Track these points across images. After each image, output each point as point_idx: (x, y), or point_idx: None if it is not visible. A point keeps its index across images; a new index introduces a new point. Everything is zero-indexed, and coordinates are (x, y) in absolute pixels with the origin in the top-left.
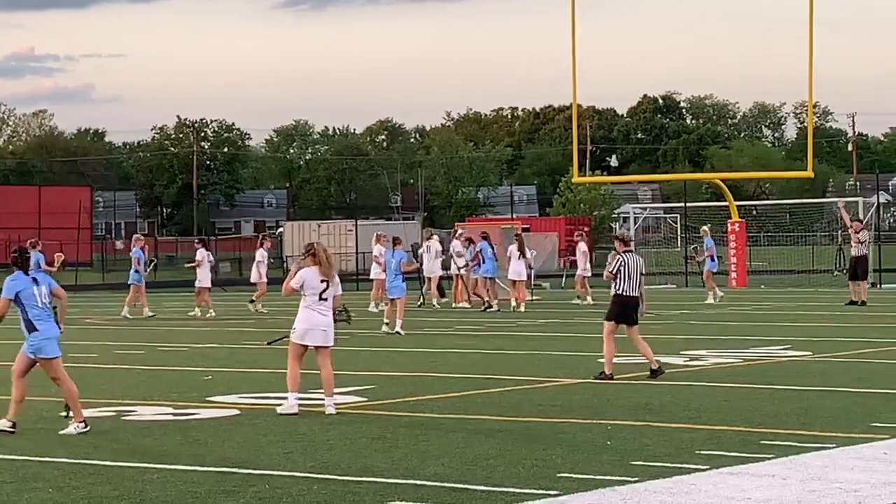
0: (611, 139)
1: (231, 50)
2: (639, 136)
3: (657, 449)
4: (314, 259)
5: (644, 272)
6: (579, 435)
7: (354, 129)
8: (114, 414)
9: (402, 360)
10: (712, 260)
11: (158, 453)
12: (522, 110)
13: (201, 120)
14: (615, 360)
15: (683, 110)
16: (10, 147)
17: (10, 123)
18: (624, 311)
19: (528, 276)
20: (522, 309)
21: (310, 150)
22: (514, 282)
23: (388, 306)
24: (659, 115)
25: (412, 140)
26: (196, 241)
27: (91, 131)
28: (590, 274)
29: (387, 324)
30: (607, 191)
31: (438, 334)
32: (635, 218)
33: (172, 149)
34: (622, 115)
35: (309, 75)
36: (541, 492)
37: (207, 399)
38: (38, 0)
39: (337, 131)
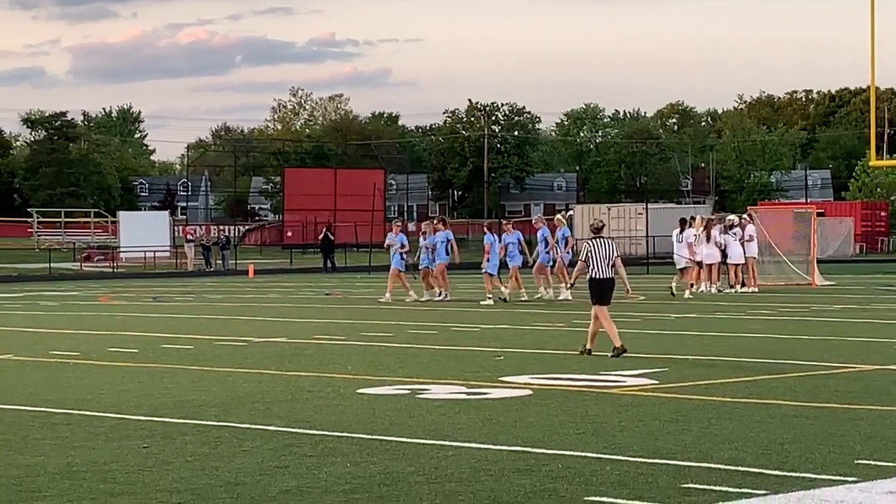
0: None
1: (524, 33)
2: None
3: None
4: None
5: (618, 254)
6: (877, 422)
7: (645, 113)
8: (409, 392)
9: (693, 343)
10: (547, 254)
11: (452, 431)
12: (817, 93)
13: (492, 103)
14: None
15: None
16: (308, 131)
17: (308, 107)
18: (599, 291)
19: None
20: (713, 291)
21: (600, 134)
22: (710, 265)
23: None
24: None
25: (703, 123)
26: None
27: (385, 115)
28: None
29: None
30: None
31: (730, 318)
32: None
33: (464, 132)
34: None
35: (600, 58)
36: (838, 478)
37: (500, 379)
38: None
39: (627, 114)
